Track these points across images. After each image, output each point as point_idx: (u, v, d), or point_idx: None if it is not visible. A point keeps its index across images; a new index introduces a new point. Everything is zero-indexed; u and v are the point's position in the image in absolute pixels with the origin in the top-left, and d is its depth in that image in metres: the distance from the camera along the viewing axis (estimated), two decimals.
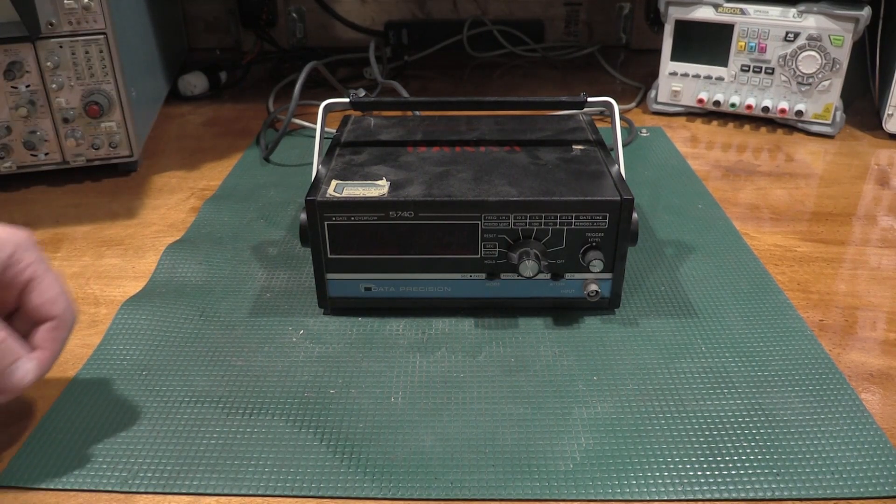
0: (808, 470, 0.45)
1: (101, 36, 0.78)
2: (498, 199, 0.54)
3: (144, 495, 0.44)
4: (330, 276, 0.58)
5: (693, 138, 0.97)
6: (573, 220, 0.55)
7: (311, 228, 0.56)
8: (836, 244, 0.71)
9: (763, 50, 0.95)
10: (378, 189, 0.56)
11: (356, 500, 0.44)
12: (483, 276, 0.58)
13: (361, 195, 0.55)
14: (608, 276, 0.57)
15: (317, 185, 0.57)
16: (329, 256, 0.57)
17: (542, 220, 0.55)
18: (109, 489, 0.44)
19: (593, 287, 0.57)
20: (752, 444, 0.47)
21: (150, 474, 0.45)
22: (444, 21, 1.38)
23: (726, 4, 0.96)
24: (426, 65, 1.30)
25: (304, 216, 0.55)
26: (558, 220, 0.55)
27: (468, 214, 0.55)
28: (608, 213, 0.55)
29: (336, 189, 0.56)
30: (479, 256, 0.57)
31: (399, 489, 0.44)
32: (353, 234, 0.56)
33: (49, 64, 0.77)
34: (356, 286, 0.58)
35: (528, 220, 0.55)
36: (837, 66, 0.93)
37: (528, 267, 0.54)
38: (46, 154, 0.81)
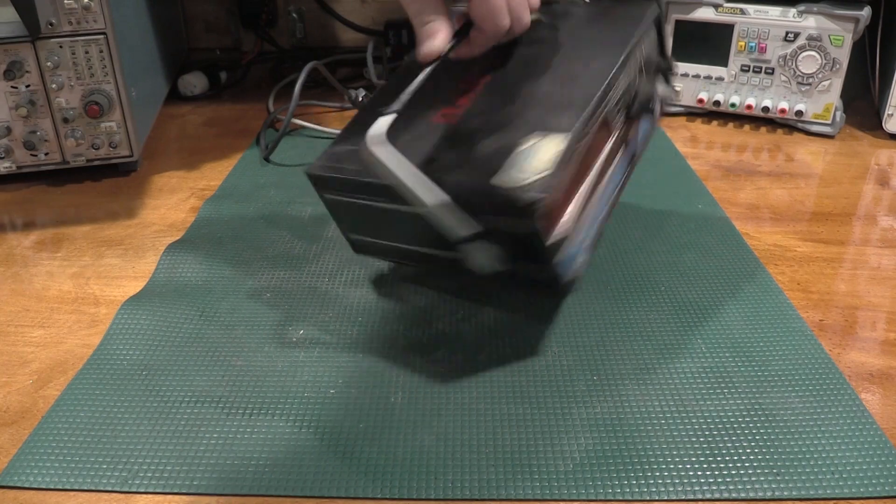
0: (808, 470, 0.45)
1: (101, 36, 0.78)
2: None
3: (144, 495, 0.44)
4: None
5: (693, 138, 0.97)
6: None
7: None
8: (836, 244, 0.71)
9: (763, 50, 0.95)
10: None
11: (356, 500, 0.44)
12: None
13: None
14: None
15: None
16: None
17: None
18: (109, 489, 0.44)
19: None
20: (752, 444, 0.47)
21: (150, 474, 0.45)
22: None
23: (726, 4, 0.96)
24: None
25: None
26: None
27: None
28: None
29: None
30: None
31: (399, 489, 0.44)
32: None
33: (49, 64, 0.77)
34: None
35: None
36: (837, 66, 0.93)
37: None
38: (46, 154, 0.81)
